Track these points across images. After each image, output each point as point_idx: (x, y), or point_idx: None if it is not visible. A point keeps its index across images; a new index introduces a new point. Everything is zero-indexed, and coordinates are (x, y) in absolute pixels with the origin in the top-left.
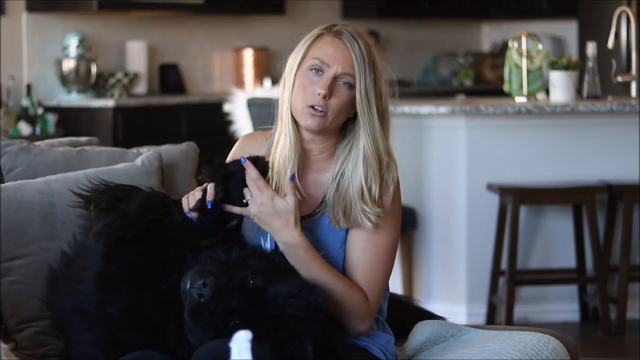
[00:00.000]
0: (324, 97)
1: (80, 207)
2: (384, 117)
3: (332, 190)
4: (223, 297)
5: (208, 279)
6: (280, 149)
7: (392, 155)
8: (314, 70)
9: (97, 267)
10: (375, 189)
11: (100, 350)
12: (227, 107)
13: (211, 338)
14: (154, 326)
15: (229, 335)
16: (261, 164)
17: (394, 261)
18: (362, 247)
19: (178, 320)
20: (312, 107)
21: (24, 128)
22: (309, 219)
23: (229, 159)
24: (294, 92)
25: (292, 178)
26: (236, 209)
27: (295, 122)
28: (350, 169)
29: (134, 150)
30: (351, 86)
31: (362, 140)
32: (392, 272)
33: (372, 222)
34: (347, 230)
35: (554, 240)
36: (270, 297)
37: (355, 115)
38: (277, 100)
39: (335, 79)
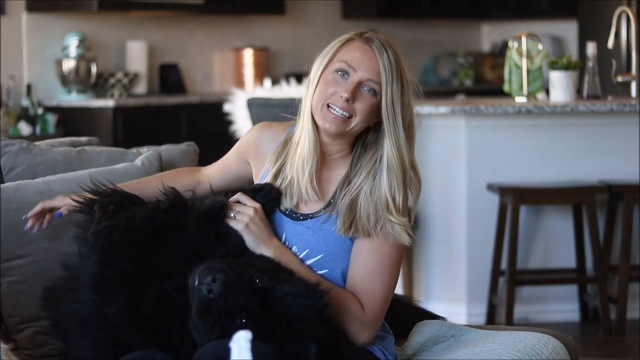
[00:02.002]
0: (347, 100)
1: (81, 210)
2: (409, 129)
3: (345, 201)
4: (232, 294)
5: (217, 274)
6: (300, 149)
7: (417, 170)
8: (340, 73)
9: (92, 273)
10: (399, 199)
11: (99, 352)
12: (227, 107)
13: (218, 336)
14: (155, 325)
15: (233, 333)
16: (272, 193)
17: (397, 275)
18: (363, 258)
19: (182, 319)
20: (329, 106)
21: (24, 128)
22: (313, 219)
23: (241, 144)
24: (316, 91)
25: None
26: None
27: (315, 123)
28: (374, 182)
29: (134, 150)
30: (375, 93)
31: (386, 149)
32: (395, 286)
33: (400, 233)
34: (352, 237)
35: (554, 240)
36: (277, 296)
37: (376, 124)
38: (300, 99)
39: (360, 84)
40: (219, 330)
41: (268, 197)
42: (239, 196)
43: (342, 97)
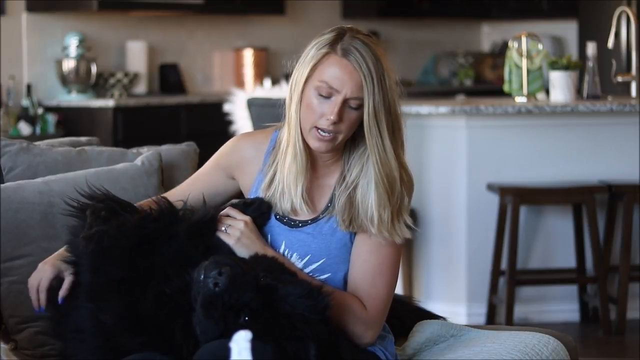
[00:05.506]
0: (334, 123)
1: (74, 214)
2: (394, 132)
3: (342, 198)
4: (237, 289)
5: (224, 268)
6: (289, 162)
7: (407, 169)
8: (322, 95)
9: (84, 281)
10: (386, 216)
11: (97, 358)
12: (227, 107)
13: (221, 332)
14: (156, 327)
15: (235, 331)
16: (263, 207)
17: (397, 273)
18: (364, 259)
19: (184, 318)
20: (319, 129)
21: (24, 128)
22: (312, 225)
23: (221, 161)
24: (302, 108)
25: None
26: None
27: (304, 140)
28: (363, 187)
29: (134, 150)
30: (360, 106)
31: (372, 166)
32: (395, 284)
33: (380, 239)
34: (351, 238)
35: (554, 240)
36: (280, 295)
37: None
38: (284, 101)
39: (344, 103)
40: (222, 326)
41: (259, 211)
42: (229, 210)
43: (328, 119)
